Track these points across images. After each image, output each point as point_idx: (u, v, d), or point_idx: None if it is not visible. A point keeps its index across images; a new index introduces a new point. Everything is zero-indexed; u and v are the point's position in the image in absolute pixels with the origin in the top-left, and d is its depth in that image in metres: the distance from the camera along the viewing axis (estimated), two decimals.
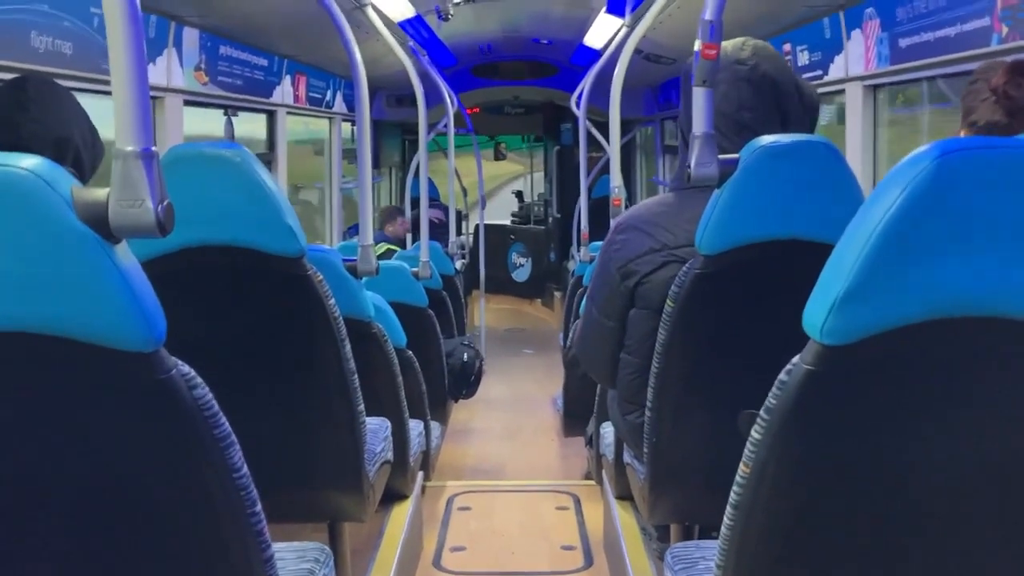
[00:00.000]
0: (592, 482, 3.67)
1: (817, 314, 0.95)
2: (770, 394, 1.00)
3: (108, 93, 2.96)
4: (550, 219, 9.86)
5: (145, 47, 0.98)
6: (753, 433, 1.03)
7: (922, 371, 0.97)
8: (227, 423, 1.02)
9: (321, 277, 1.80)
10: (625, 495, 2.65)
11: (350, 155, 6.32)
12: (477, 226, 8.72)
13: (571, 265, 6.86)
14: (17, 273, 0.92)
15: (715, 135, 1.70)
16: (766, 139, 1.56)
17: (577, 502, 3.53)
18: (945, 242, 0.91)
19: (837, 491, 1.03)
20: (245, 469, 1.05)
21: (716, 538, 1.15)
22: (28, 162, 0.92)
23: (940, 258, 0.91)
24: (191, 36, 3.49)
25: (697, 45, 1.56)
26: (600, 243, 2.65)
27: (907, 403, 0.98)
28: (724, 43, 1.77)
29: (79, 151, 1.73)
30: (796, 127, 1.78)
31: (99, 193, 0.93)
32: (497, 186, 15.28)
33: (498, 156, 11.03)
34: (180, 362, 0.99)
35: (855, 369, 0.96)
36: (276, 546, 1.15)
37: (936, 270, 0.91)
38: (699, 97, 1.54)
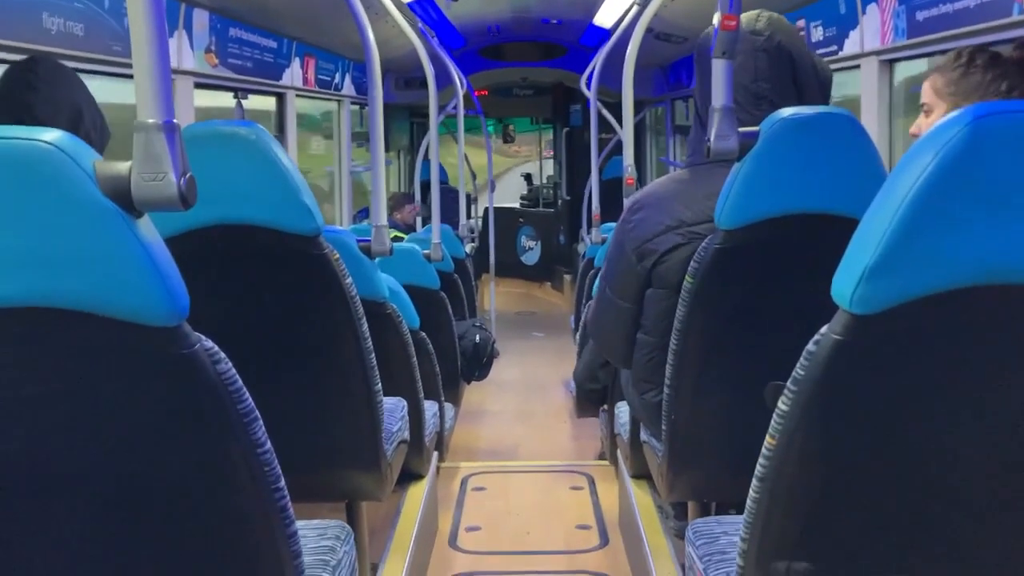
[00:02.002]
0: (606, 462, 3.68)
1: (847, 283, 0.94)
2: (798, 365, 1.00)
3: (118, 75, 2.96)
4: (559, 202, 9.83)
5: (165, 20, 0.97)
6: (780, 405, 1.02)
7: (953, 340, 0.96)
8: (250, 398, 1.02)
9: (338, 256, 1.79)
10: (641, 474, 2.65)
11: (359, 138, 6.30)
12: (487, 209, 8.71)
13: (581, 247, 6.84)
14: (40, 247, 0.92)
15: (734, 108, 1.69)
16: (787, 111, 1.54)
17: (591, 482, 3.53)
18: (978, 209, 0.89)
19: (865, 462, 1.02)
20: (269, 444, 1.04)
21: (733, 515, 1.15)
22: (51, 136, 0.91)
23: (973, 225, 0.90)
24: (201, 18, 3.48)
25: (716, 17, 1.54)
26: (611, 224, 2.62)
27: (938, 373, 0.97)
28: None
29: (89, 131, 1.74)
30: (812, 101, 1.76)
31: (121, 167, 0.92)
32: (500, 172, 15.20)
33: (507, 139, 11.00)
34: (203, 337, 0.98)
35: (885, 338, 0.95)
36: (297, 523, 1.15)
37: (969, 237, 0.90)
38: (719, 69, 1.53)
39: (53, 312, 0.93)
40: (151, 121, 0.93)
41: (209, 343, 0.99)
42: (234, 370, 1.00)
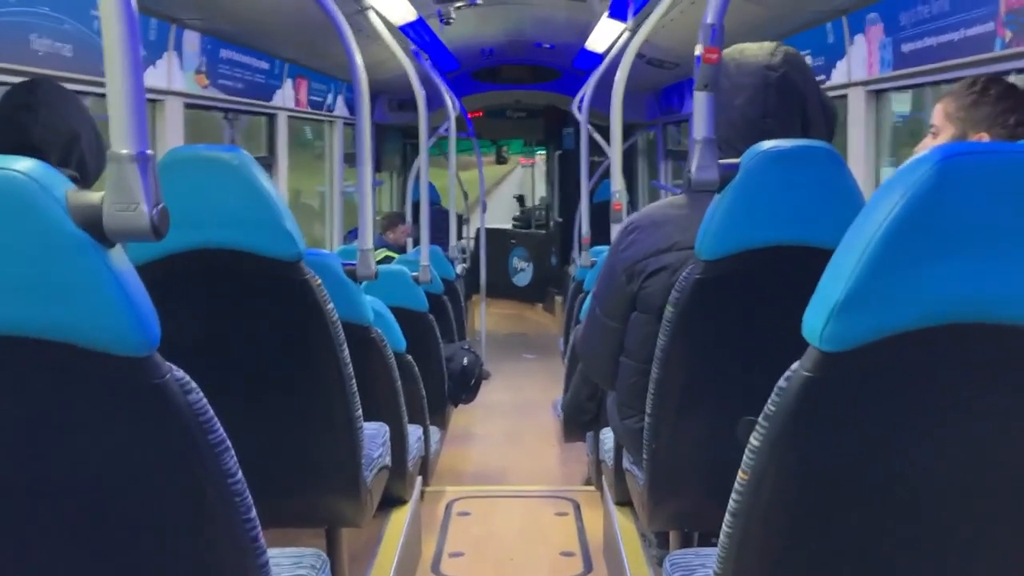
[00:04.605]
0: (592, 488, 3.66)
1: (816, 320, 0.94)
2: (769, 400, 1.00)
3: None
4: (551, 223, 9.85)
5: (141, 48, 0.98)
6: (752, 440, 1.02)
7: (922, 378, 0.96)
8: (221, 428, 1.02)
9: (319, 281, 1.79)
10: (624, 501, 2.64)
11: (351, 159, 6.32)
12: (478, 230, 8.72)
13: (572, 270, 6.84)
14: (10, 276, 0.91)
15: (734, 139, 1.69)
16: (767, 144, 1.55)
17: (577, 508, 3.51)
18: (946, 247, 0.90)
19: (836, 498, 1.02)
20: (240, 475, 1.04)
21: (715, 545, 1.14)
22: (23, 164, 0.91)
23: (941, 264, 0.90)
24: (192, 39, 3.49)
25: (698, 49, 1.55)
26: (601, 247, 2.62)
27: (907, 410, 0.97)
28: (754, 47, 1.74)
29: (84, 155, 1.76)
30: (817, 137, 1.75)
31: (94, 196, 0.93)
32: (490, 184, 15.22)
33: (500, 160, 11.06)
34: (174, 367, 0.98)
35: (854, 376, 0.95)
36: (272, 552, 1.14)
37: (936, 276, 0.91)
38: (700, 101, 1.53)
39: (22, 340, 0.93)
40: (124, 151, 0.93)
41: (180, 373, 0.98)
42: (205, 400, 1.00)
